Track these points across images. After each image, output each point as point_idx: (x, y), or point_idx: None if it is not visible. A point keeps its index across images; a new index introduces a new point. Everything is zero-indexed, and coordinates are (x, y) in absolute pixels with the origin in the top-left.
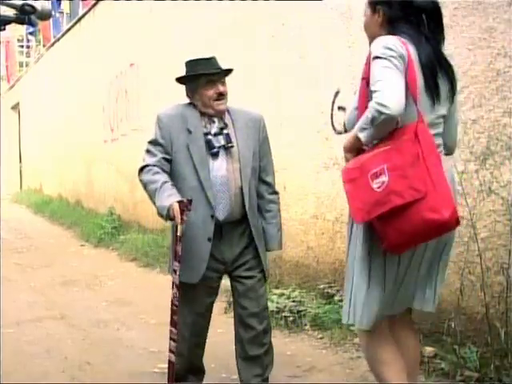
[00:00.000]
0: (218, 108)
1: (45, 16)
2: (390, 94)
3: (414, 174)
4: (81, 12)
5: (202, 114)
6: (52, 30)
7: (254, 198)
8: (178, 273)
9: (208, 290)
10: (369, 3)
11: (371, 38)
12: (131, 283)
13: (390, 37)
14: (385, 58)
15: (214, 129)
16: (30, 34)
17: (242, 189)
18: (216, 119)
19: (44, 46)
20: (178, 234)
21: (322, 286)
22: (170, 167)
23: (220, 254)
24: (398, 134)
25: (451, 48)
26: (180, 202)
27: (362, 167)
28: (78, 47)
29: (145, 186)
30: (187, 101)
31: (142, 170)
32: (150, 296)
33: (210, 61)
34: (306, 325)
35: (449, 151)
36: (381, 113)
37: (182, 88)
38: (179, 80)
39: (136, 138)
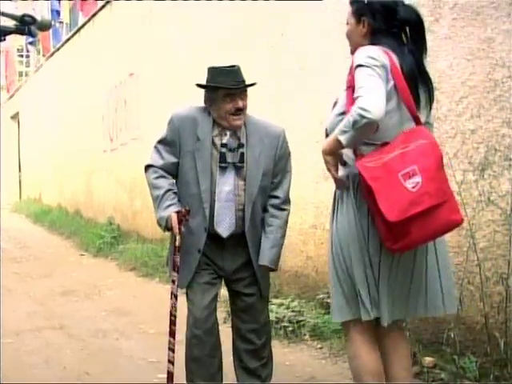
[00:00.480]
0: (233, 123)
1: (44, 27)
2: (372, 100)
3: (440, 176)
4: (80, 22)
5: (217, 123)
6: (51, 39)
7: (258, 215)
8: (176, 283)
9: (210, 286)
10: (353, 13)
11: (353, 47)
12: (130, 293)
13: (373, 47)
14: (368, 67)
15: (227, 140)
16: (30, 43)
17: (244, 205)
18: (228, 132)
19: (43, 55)
20: (177, 244)
21: (321, 296)
22: (177, 170)
23: (221, 262)
24: (407, 137)
25: (450, 58)
26: (178, 212)
27: (386, 166)
28: (78, 57)
29: (149, 186)
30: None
31: (148, 167)
32: (149, 306)
33: (233, 72)
34: (305, 335)
35: None
36: (362, 117)
37: (182, 98)
38: (199, 85)
39: (135, 148)
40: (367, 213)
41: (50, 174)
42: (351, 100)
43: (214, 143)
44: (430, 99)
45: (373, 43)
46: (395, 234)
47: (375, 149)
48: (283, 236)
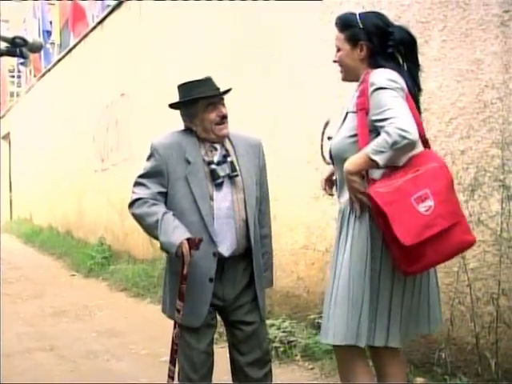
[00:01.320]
0: (220, 133)
1: (36, 48)
2: (408, 121)
3: (451, 198)
4: (71, 43)
5: (202, 140)
6: (43, 60)
7: (257, 230)
8: (181, 312)
9: (208, 328)
10: (347, 39)
11: (347, 72)
12: (121, 313)
13: (387, 69)
14: (391, 89)
15: (217, 157)
16: (21, 64)
17: (247, 221)
18: (218, 146)
19: (35, 76)
20: (185, 272)
21: (312, 317)
22: (166, 201)
23: (221, 291)
24: (417, 160)
25: (440, 80)
26: (188, 239)
27: (399, 191)
28: (69, 77)
29: (140, 219)
30: (181, 127)
31: (133, 203)
32: (140, 326)
33: (208, 82)
34: (296, 355)
35: None
36: (403, 137)
37: (174, 118)
38: (173, 106)
39: (127, 168)
40: (380, 237)
41: (41, 194)
42: (363, 122)
43: (204, 162)
44: None
45: (372, 66)
46: (410, 257)
47: (385, 173)
48: (272, 253)
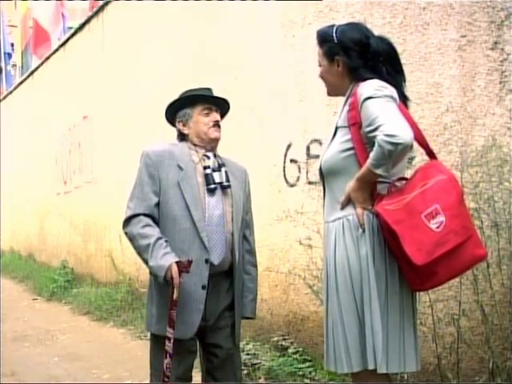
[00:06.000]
0: (213, 135)
1: None
2: (395, 123)
3: (462, 212)
4: (34, 65)
5: (194, 149)
6: (4, 82)
7: (241, 251)
8: (172, 341)
9: (188, 354)
10: (325, 54)
11: (330, 88)
12: (84, 337)
13: (377, 80)
14: (378, 97)
15: (212, 163)
16: None
17: (232, 235)
18: (211, 154)
19: None
20: (175, 297)
21: (275, 339)
22: (159, 209)
23: (204, 308)
24: (424, 173)
25: None
26: (178, 263)
27: (408, 207)
28: (31, 100)
29: (132, 239)
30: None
31: (128, 220)
32: (102, 350)
33: (208, 89)
34: (260, 378)
35: None
36: (395, 144)
37: (136, 141)
38: (175, 101)
39: (89, 191)
40: (385, 254)
41: (3, 217)
42: (358, 138)
43: (197, 169)
44: None
45: (353, 80)
46: (421, 275)
47: (392, 188)
48: (257, 283)
